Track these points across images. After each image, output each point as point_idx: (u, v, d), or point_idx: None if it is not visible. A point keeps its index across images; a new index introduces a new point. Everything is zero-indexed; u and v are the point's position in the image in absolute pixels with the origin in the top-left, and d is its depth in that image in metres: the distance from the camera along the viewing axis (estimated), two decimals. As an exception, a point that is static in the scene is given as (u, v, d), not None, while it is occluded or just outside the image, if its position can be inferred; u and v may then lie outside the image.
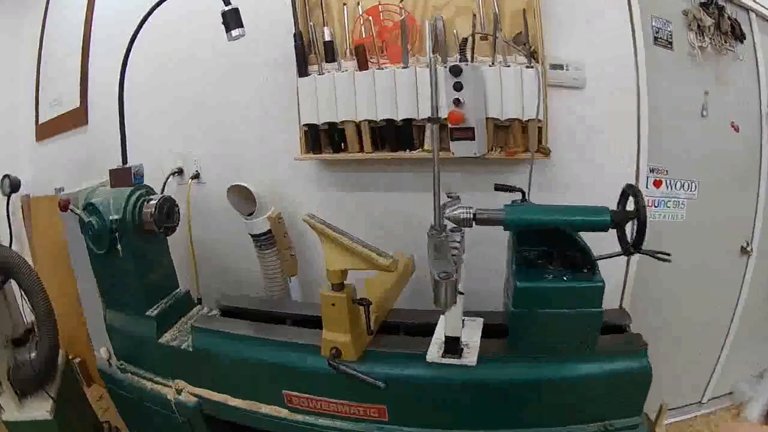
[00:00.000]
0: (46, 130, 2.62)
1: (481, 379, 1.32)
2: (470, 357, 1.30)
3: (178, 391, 1.64)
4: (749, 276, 2.24)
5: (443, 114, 1.65)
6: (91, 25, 2.34)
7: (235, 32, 1.64)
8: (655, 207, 1.98)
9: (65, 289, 2.11)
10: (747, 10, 2.08)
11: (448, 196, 1.34)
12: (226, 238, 2.18)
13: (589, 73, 1.76)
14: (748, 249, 2.20)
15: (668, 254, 1.23)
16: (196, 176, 2.15)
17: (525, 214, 1.31)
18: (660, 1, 1.88)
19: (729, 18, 2.00)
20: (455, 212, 1.26)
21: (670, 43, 1.92)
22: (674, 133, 1.94)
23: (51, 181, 2.52)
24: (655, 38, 1.87)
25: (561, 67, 1.74)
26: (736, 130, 2.09)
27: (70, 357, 2.21)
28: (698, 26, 1.95)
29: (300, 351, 1.46)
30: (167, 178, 2.11)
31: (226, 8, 1.64)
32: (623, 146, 1.82)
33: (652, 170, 1.90)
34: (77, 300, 2.34)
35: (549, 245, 1.36)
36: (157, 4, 1.70)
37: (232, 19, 1.63)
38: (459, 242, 1.24)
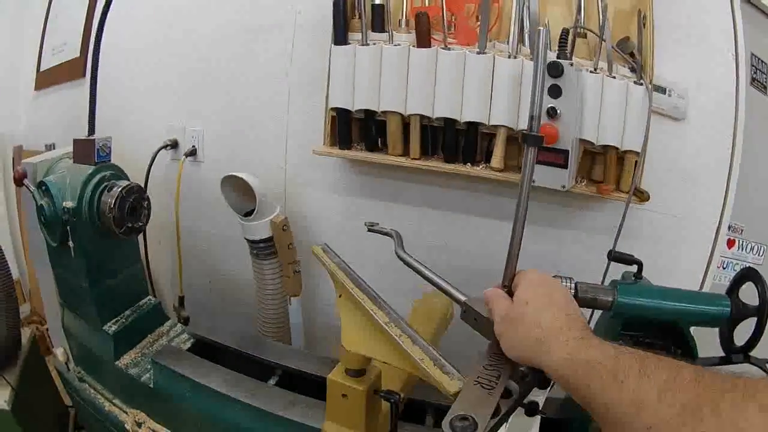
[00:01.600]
0: (44, 79, 2.17)
1: None
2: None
3: (138, 424, 1.24)
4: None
5: (524, 125, 1.17)
6: None
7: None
8: (723, 269, 1.54)
9: None
10: None
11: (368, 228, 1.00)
12: (220, 231, 1.68)
13: (691, 102, 1.28)
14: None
15: None
16: (192, 153, 1.64)
17: (641, 298, 0.87)
18: (760, 38, 1.41)
19: None
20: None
21: (765, 86, 1.44)
22: (755, 188, 1.47)
23: (44, 136, 2.07)
24: (753, 78, 1.39)
25: (664, 90, 1.25)
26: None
27: (39, 327, 1.92)
28: None
29: (283, 428, 1.02)
30: (157, 151, 1.61)
31: None
32: (712, 194, 1.36)
33: (730, 227, 1.44)
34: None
35: (647, 331, 0.92)
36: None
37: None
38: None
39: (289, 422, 1.01)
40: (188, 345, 1.31)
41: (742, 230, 1.59)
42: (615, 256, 0.97)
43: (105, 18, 1.30)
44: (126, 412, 1.28)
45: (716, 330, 0.91)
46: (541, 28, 0.77)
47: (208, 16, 1.57)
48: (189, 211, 1.65)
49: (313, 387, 1.10)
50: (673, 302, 0.88)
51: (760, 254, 1.65)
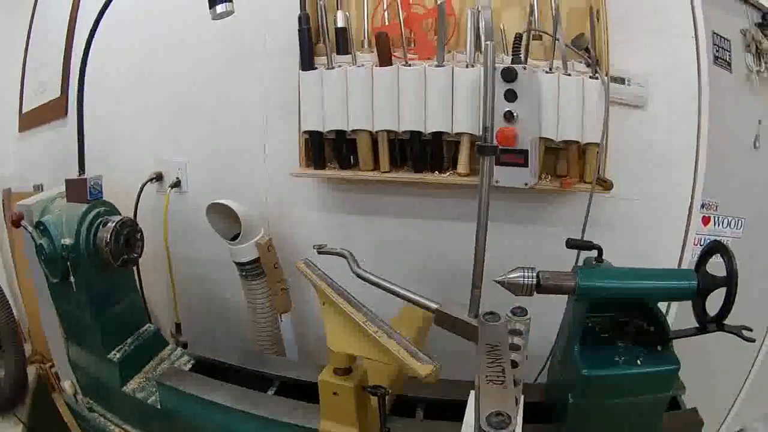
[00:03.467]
0: (28, 121, 2.32)
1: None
2: (516, 457, 0.98)
3: (148, 448, 1.36)
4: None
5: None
6: (77, 11, 2.00)
7: (220, 7, 1.24)
8: (700, 246, 1.67)
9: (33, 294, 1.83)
10: None
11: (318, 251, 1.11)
12: (209, 257, 1.82)
13: (652, 89, 1.42)
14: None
15: (751, 330, 1.00)
16: (177, 184, 1.79)
17: (602, 280, 0.99)
18: (721, 17, 1.56)
19: None
20: (512, 277, 0.94)
21: (729, 64, 1.60)
22: (726, 165, 1.61)
23: (32, 177, 2.22)
24: (716, 57, 1.54)
25: (622, 80, 1.39)
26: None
27: (43, 365, 1.98)
28: (756, 48, 1.65)
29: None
30: (143, 185, 1.76)
31: None
32: (681, 177, 1.49)
33: (703, 205, 1.58)
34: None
35: (618, 311, 1.05)
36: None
37: (216, -10, 1.24)
38: (524, 336, 0.89)
39: (292, 426, 1.14)
40: (189, 366, 1.44)
41: (716, 206, 1.71)
42: (572, 244, 1.10)
43: (88, 51, 1.43)
44: None
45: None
46: (488, 42, 0.91)
47: (185, 50, 1.72)
48: (179, 240, 1.79)
49: (309, 393, 1.21)
50: (635, 281, 1.00)
51: (738, 227, 1.77)
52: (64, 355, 1.59)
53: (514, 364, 0.82)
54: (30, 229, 1.37)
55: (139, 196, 1.73)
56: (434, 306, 0.91)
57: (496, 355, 0.78)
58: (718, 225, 1.75)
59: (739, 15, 1.68)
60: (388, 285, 0.99)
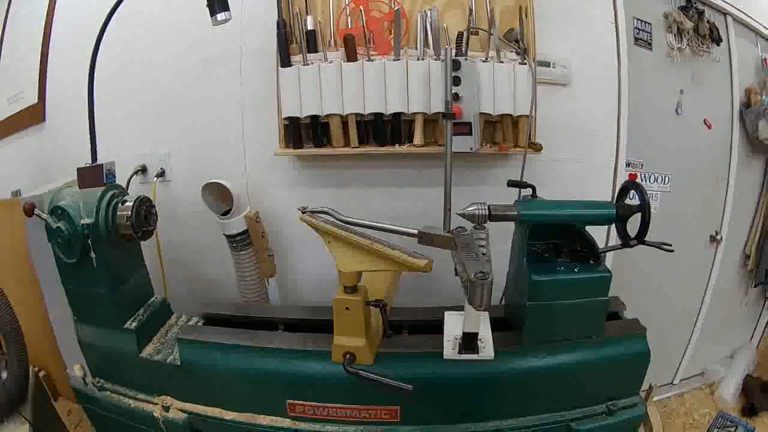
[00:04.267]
0: (3, 128, 2.45)
1: (499, 372, 1.39)
2: (487, 351, 1.35)
3: (165, 408, 1.57)
4: (718, 263, 2.47)
5: (436, 109, 1.69)
6: (52, 18, 2.20)
7: (220, 16, 1.55)
8: (630, 199, 2.12)
9: (26, 300, 1.98)
10: (724, 13, 2.30)
11: (302, 212, 1.37)
12: (195, 240, 2.10)
13: (575, 70, 1.87)
14: (718, 237, 2.42)
15: (670, 244, 1.37)
16: (161, 174, 2.05)
17: (538, 209, 1.39)
18: (642, 3, 2.04)
19: (708, 21, 2.19)
20: (470, 209, 1.30)
21: (650, 44, 2.08)
22: (650, 130, 2.09)
23: (8, 184, 2.33)
24: (636, 39, 2.01)
25: (548, 64, 1.83)
26: (709, 126, 2.30)
27: (36, 371, 2.09)
28: (678, 29, 2.13)
29: (303, 358, 1.45)
30: (131, 177, 2.00)
31: None
32: (605, 141, 1.95)
33: (628, 164, 2.05)
34: (39, 310, 2.22)
35: (556, 239, 1.44)
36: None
37: (218, 1, 1.53)
38: (485, 240, 1.26)
39: (307, 352, 1.44)
40: (202, 323, 1.69)
41: (642, 165, 2.18)
42: (512, 183, 1.50)
43: (96, 57, 1.61)
44: (152, 402, 1.60)
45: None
46: (446, 47, 1.30)
47: (165, 49, 1.99)
48: (165, 225, 1.98)
49: (312, 329, 1.54)
50: (565, 209, 1.40)
51: (666, 182, 2.26)
52: (71, 341, 1.74)
53: (485, 255, 1.19)
54: (45, 215, 1.55)
55: (127, 186, 1.95)
56: (416, 231, 1.26)
57: (470, 249, 1.14)
58: (646, 180, 2.21)
59: (662, 0, 2.16)
60: (372, 224, 1.30)
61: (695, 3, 2.20)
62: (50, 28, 2.22)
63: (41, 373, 2.20)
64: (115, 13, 1.62)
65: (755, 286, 2.76)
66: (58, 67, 2.23)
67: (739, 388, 2.59)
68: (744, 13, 2.35)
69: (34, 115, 2.26)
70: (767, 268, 2.67)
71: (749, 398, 2.54)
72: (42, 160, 2.27)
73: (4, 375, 1.73)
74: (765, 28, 2.45)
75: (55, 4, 2.22)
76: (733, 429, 2.37)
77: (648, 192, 2.14)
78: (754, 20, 2.40)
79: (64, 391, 2.50)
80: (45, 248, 1.63)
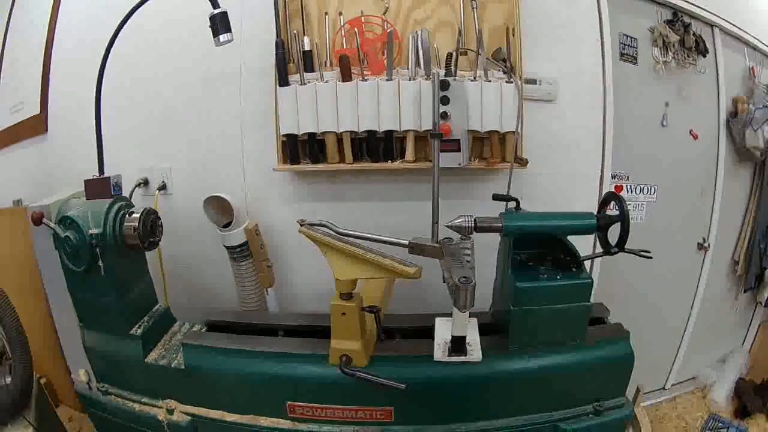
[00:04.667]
0: (3, 138, 2.56)
1: (486, 374, 1.50)
2: (475, 354, 1.46)
3: (169, 411, 1.67)
4: (707, 270, 2.60)
5: (427, 126, 1.82)
6: (54, 30, 2.31)
7: (223, 37, 1.67)
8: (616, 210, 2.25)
9: (27, 308, 2.04)
10: (711, 25, 2.43)
11: (301, 224, 1.48)
12: (194, 251, 2.21)
13: (561, 87, 2.00)
14: (705, 244, 2.55)
15: (649, 252, 1.48)
16: (163, 187, 2.17)
17: (521, 221, 1.50)
18: (628, 19, 2.17)
19: (694, 34, 2.32)
20: (457, 221, 1.42)
21: (635, 58, 2.21)
22: (636, 142, 2.21)
23: (9, 194, 2.46)
24: (621, 54, 2.14)
25: (534, 81, 1.96)
26: (695, 137, 2.42)
27: (37, 378, 2.14)
28: (663, 42, 2.25)
29: (302, 361, 1.56)
30: (133, 189, 2.11)
31: (215, 12, 1.66)
32: (590, 155, 2.08)
33: (613, 176, 2.17)
34: (40, 318, 2.32)
35: (540, 248, 1.56)
36: (136, 7, 1.71)
37: (221, 23, 1.66)
38: (470, 249, 1.38)
39: (305, 355, 1.55)
40: (204, 329, 1.80)
41: (628, 177, 2.30)
42: (496, 197, 1.62)
43: (103, 70, 1.73)
44: (156, 406, 1.69)
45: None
46: (435, 71, 1.42)
47: (166, 67, 2.11)
48: (166, 237, 2.09)
49: (311, 334, 1.65)
50: (547, 221, 1.51)
51: (652, 193, 2.38)
52: (76, 347, 1.84)
53: (469, 263, 1.31)
54: (53, 225, 1.65)
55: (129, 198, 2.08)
56: (406, 241, 1.38)
57: (456, 257, 1.26)
58: (632, 192, 2.34)
59: (647, 15, 2.28)
60: (367, 235, 1.42)
61: (681, 16, 2.31)
62: (52, 40, 2.33)
63: (42, 380, 2.27)
64: (121, 37, 1.71)
65: (745, 292, 2.87)
66: (59, 79, 2.35)
67: (732, 392, 2.70)
68: (731, 24, 2.46)
69: (35, 126, 2.36)
70: (756, 274, 2.79)
71: (742, 400, 2.64)
72: (43, 171, 2.38)
73: (8, 380, 1.78)
74: (753, 37, 2.57)
75: (56, 16, 2.33)
76: (725, 431, 2.48)
77: (635, 202, 2.32)
78: (742, 30, 2.52)
79: (65, 399, 2.61)
80: (50, 256, 1.74)
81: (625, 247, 1.45)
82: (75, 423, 2.50)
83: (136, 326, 1.74)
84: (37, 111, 2.38)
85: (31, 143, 2.44)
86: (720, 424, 2.52)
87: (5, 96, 2.60)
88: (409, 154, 1.91)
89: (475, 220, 1.42)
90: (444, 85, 1.75)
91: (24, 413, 1.77)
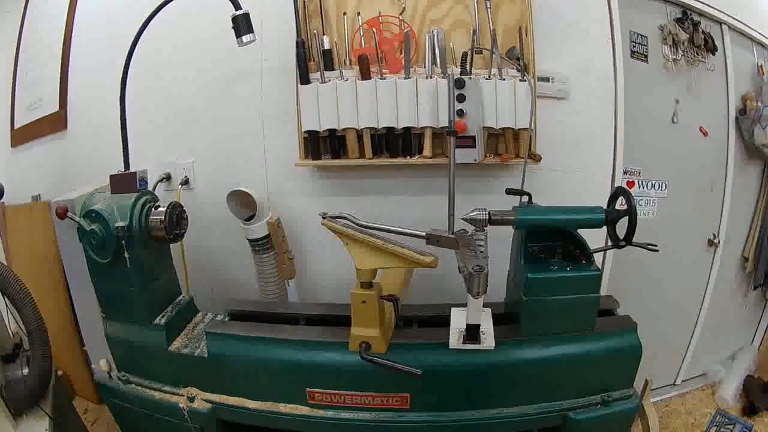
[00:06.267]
0: (21, 136, 2.67)
1: (499, 361, 1.60)
2: (489, 342, 1.56)
3: (191, 399, 1.77)
4: (717, 266, 2.69)
5: (444, 123, 1.93)
6: (71, 28, 2.42)
7: (246, 37, 1.78)
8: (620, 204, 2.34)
9: (45, 302, 2.12)
10: (720, 23, 2.51)
11: (323, 217, 1.57)
12: (216, 244, 2.32)
13: (573, 85, 2.09)
14: (715, 241, 2.64)
15: (656, 245, 1.55)
16: (185, 182, 2.28)
17: (533, 214, 1.60)
18: (638, 17, 2.26)
19: (703, 32, 2.40)
20: (472, 214, 1.53)
21: (646, 56, 2.29)
22: (647, 139, 2.30)
23: (28, 189, 2.58)
24: (632, 52, 2.23)
25: (547, 79, 2.05)
26: (705, 134, 2.51)
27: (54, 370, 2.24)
28: (673, 40, 2.34)
29: (322, 348, 1.67)
30: (156, 184, 2.22)
31: (237, 13, 1.76)
32: (602, 151, 2.16)
33: (625, 172, 2.26)
34: (58, 311, 2.41)
35: (551, 241, 1.65)
36: (160, 7, 1.80)
37: (243, 24, 1.76)
38: (484, 241, 1.48)
39: (326, 343, 1.65)
40: (227, 319, 1.89)
41: (639, 172, 2.39)
42: (509, 191, 1.72)
43: (128, 68, 1.82)
44: (177, 394, 1.78)
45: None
46: (451, 69, 1.52)
47: (188, 65, 2.22)
48: (188, 231, 2.20)
49: (331, 323, 1.76)
50: (557, 214, 1.61)
51: (663, 189, 2.47)
52: (97, 337, 1.94)
53: (482, 253, 1.42)
54: (78, 218, 1.74)
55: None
56: (424, 233, 1.48)
57: (470, 248, 1.37)
58: (643, 187, 2.43)
59: (657, 13, 2.37)
60: (386, 227, 1.52)
61: (690, 14, 2.39)
62: (70, 39, 2.44)
63: (59, 372, 2.36)
64: (145, 37, 1.80)
65: (755, 289, 2.96)
66: (78, 77, 2.46)
67: (740, 389, 2.78)
68: (740, 22, 2.54)
69: (54, 123, 2.46)
70: (766, 271, 2.87)
71: (749, 398, 2.71)
72: (62, 167, 2.50)
73: (25, 371, 1.84)
74: (761, 35, 2.64)
75: (74, 14, 2.45)
76: (731, 427, 2.56)
77: (646, 198, 2.41)
78: (750, 28, 2.59)
79: (82, 390, 2.72)
80: (73, 249, 1.82)
81: (633, 240, 1.54)
82: (91, 414, 2.61)
83: (160, 316, 1.84)
84: (56, 108, 2.49)
85: (50, 140, 2.55)
86: (726, 420, 2.60)
87: (23, 93, 2.71)
88: (427, 149, 2.01)
89: (489, 213, 1.53)
90: (459, 84, 1.85)
91: (41, 404, 1.85)
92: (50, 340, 1.82)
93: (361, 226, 1.53)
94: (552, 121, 2.08)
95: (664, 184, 2.45)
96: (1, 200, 2.34)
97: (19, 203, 2.63)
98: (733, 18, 2.52)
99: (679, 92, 2.44)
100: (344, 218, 1.55)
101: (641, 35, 2.31)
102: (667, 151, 2.46)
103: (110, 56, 2.15)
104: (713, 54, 2.48)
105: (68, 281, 2.09)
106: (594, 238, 1.66)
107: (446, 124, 1.90)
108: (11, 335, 1.99)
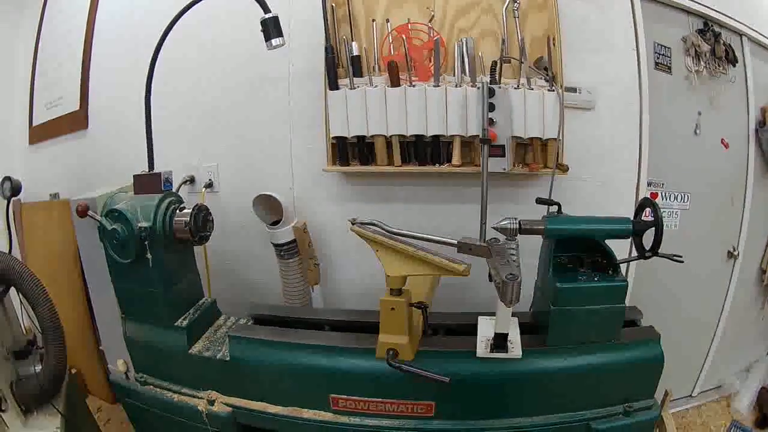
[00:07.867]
0: (40, 133, 2.70)
1: (526, 370, 1.62)
2: (516, 351, 1.58)
3: (210, 402, 1.77)
4: (735, 278, 2.71)
5: (472, 132, 1.96)
6: (92, 28, 2.46)
7: (275, 41, 1.79)
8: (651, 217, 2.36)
9: (62, 300, 2.14)
10: (740, 35, 2.53)
11: (353, 223, 1.60)
12: (239, 248, 2.36)
13: (599, 95, 2.13)
14: (735, 253, 2.66)
15: (681, 256, 1.60)
16: (209, 185, 2.31)
17: (563, 224, 1.63)
18: (661, 28, 2.29)
19: (723, 43, 2.43)
20: (503, 223, 1.56)
21: (669, 67, 2.32)
22: (670, 151, 2.33)
23: (45, 187, 2.61)
24: (656, 63, 2.26)
25: (574, 90, 2.09)
26: (726, 146, 2.54)
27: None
28: (695, 51, 2.36)
29: (347, 355, 1.68)
30: (179, 186, 2.26)
31: (266, 16, 1.77)
32: (627, 162, 2.20)
33: (649, 183, 2.29)
34: (75, 310, 2.43)
35: (578, 251, 1.68)
36: (187, 8, 1.82)
37: (272, 28, 1.78)
38: (515, 250, 1.50)
39: (352, 350, 1.67)
40: (251, 322, 1.91)
41: (663, 184, 2.42)
42: (540, 201, 1.75)
43: (153, 69, 1.84)
44: (196, 397, 1.78)
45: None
46: (482, 79, 1.56)
47: (212, 69, 2.25)
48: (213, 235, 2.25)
49: (353, 329, 1.77)
50: (587, 224, 1.64)
51: (686, 201, 2.50)
52: (114, 337, 1.96)
53: (514, 261, 1.44)
54: (99, 217, 1.74)
55: (176, 195, 2.22)
56: (455, 241, 1.50)
57: (502, 256, 1.39)
58: (666, 199, 2.46)
59: (680, 24, 2.39)
60: (417, 234, 1.55)
61: (712, 26, 2.42)
62: (91, 38, 2.48)
63: (72, 371, 2.34)
64: (171, 41, 1.81)
65: (771, 301, 2.96)
66: (99, 77, 2.50)
67: (754, 401, 2.80)
68: (760, 33, 2.57)
69: (75, 122, 2.50)
70: (782, 284, 2.89)
71: (762, 410, 2.74)
72: (82, 166, 2.53)
73: (38, 368, 1.85)
74: (780, 47, 2.65)
75: (95, 14, 2.49)
76: (744, 438, 2.59)
77: (669, 210, 2.44)
78: (770, 40, 2.61)
79: (95, 390, 2.74)
80: (92, 248, 1.85)
81: (658, 251, 1.57)
82: (103, 413, 2.63)
83: (182, 318, 1.86)
84: (77, 107, 2.53)
85: (70, 139, 2.59)
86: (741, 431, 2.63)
87: (42, 91, 2.74)
88: (456, 158, 2.04)
89: (519, 222, 1.56)
90: (490, 92, 1.89)
91: (54, 401, 1.85)
92: (65, 339, 1.83)
93: (391, 232, 1.56)
94: (578, 131, 2.11)
95: (686, 196, 2.48)
96: (18, 197, 2.37)
97: (36, 201, 2.66)
98: (753, 30, 2.55)
99: (701, 104, 2.47)
100: (374, 225, 1.58)
101: (665, 46, 2.33)
102: (689, 164, 2.49)
103: (134, 57, 2.20)
104: (734, 65, 2.50)
105: (86, 280, 2.11)
106: (616, 249, 1.68)
107: (474, 133, 1.94)
108: (24, 331, 2.00)
